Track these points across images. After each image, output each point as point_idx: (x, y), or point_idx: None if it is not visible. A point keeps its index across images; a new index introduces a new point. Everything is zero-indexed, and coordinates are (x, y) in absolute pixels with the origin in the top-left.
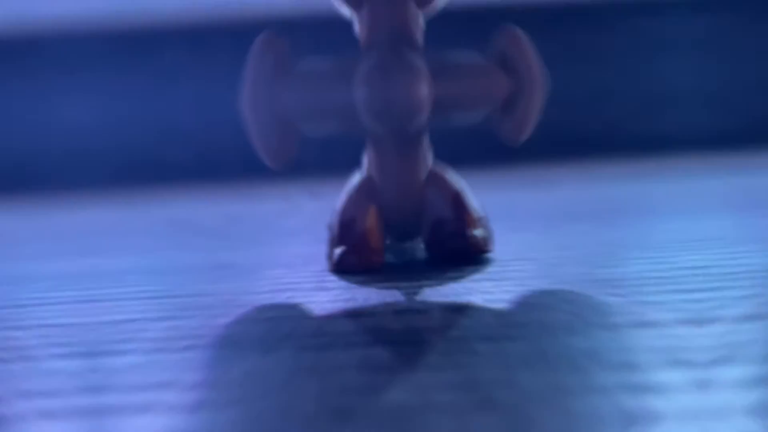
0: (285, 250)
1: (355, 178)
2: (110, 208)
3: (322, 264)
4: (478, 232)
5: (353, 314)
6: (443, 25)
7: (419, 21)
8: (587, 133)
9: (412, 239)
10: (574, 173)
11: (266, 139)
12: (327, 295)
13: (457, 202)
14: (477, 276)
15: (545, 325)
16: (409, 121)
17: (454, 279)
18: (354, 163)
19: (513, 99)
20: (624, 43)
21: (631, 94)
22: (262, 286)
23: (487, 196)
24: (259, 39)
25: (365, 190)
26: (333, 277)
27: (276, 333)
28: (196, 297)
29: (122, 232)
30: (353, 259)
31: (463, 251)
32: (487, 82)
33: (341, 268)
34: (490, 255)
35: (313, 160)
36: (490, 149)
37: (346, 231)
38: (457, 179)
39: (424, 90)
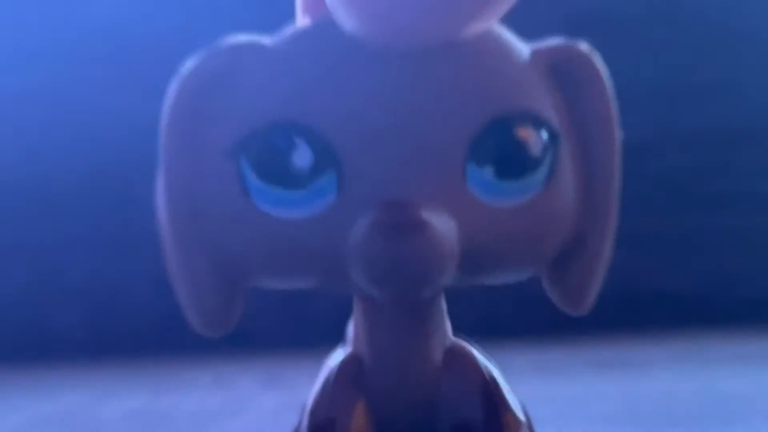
0: None
1: (336, 357)
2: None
3: None
4: None
5: None
6: None
7: None
8: (683, 290)
9: None
10: (665, 350)
11: (199, 297)
12: None
13: (489, 397)
14: None
15: None
16: (423, 286)
17: None
18: (334, 334)
19: (578, 241)
20: None
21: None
22: None
23: (531, 387)
24: (178, 88)
25: (350, 377)
26: None
27: None
28: None
29: None
30: None
31: None
32: (543, 226)
33: None
34: None
35: (268, 326)
36: (535, 312)
37: None
38: (487, 361)
39: (446, 242)
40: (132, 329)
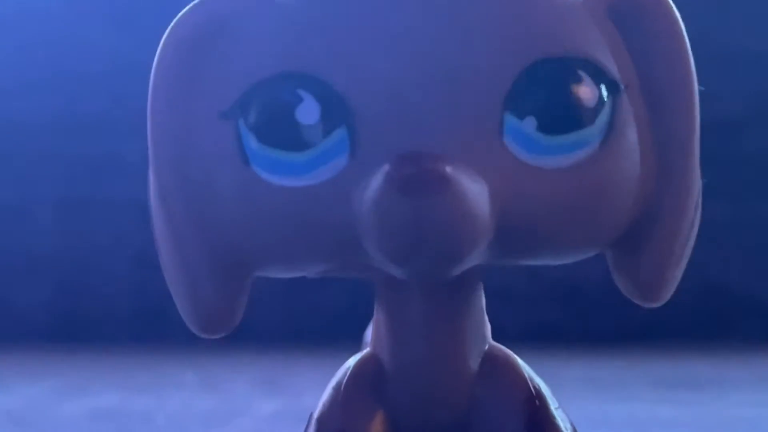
0: None
1: (350, 362)
2: None
3: None
4: None
5: None
6: None
7: None
8: None
9: None
10: (745, 369)
11: (195, 293)
12: None
13: (533, 415)
14: None
15: None
16: (449, 257)
17: None
18: (344, 331)
19: (649, 217)
20: None
21: None
22: None
23: (583, 406)
24: (170, 42)
25: (367, 382)
26: None
27: None
28: None
29: None
30: None
31: None
32: (599, 194)
33: None
34: None
35: (265, 320)
36: (591, 318)
37: None
38: (532, 372)
39: (476, 203)
40: (106, 313)
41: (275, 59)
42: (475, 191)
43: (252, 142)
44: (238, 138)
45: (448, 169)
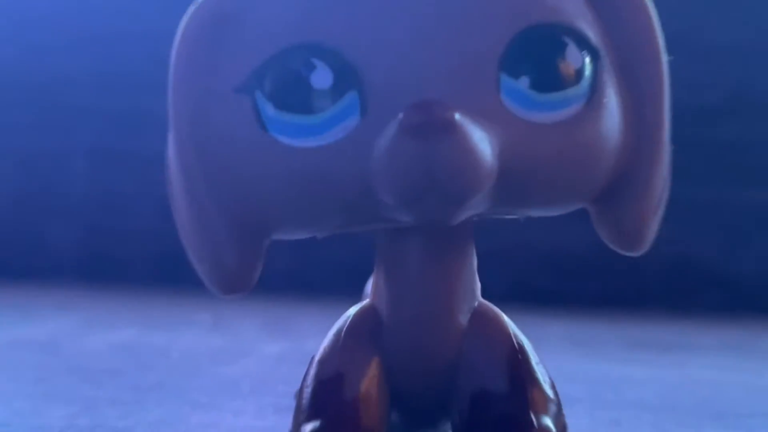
0: (216, 420)
1: (351, 311)
2: None
3: None
4: (546, 422)
5: None
6: None
7: None
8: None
9: (434, 420)
10: (713, 336)
11: (215, 255)
12: None
13: (516, 368)
14: None
15: None
16: (457, 200)
17: None
18: (344, 282)
19: (628, 171)
20: None
21: None
22: None
23: (562, 362)
24: (191, 20)
25: (365, 329)
26: None
27: None
28: None
29: None
30: None
31: None
32: (585, 146)
33: None
34: None
35: (273, 269)
36: (573, 281)
37: (325, 395)
38: (516, 329)
39: (481, 149)
40: (130, 255)
41: (289, 33)
42: (480, 137)
43: (269, 110)
44: (255, 107)
45: (457, 116)
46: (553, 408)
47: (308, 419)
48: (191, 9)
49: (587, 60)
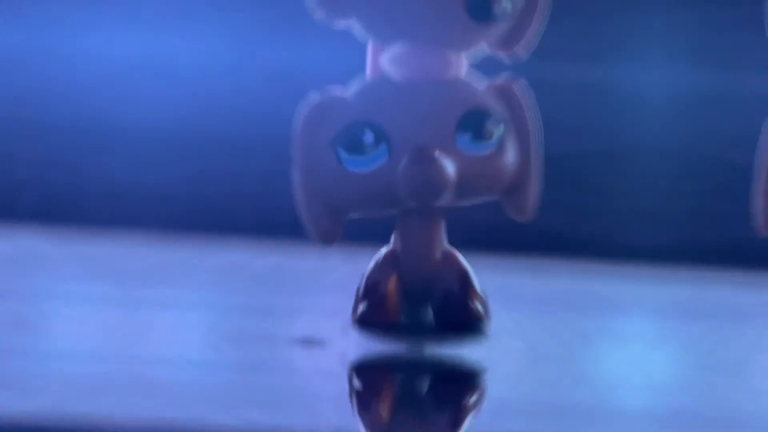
0: (320, 300)
1: (383, 250)
2: (170, 249)
3: (348, 316)
4: (478, 306)
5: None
6: None
7: None
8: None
9: (423, 305)
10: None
11: (317, 224)
12: (345, 341)
13: (464, 279)
14: (472, 342)
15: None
16: (437, 195)
17: (452, 342)
18: (384, 238)
19: (518, 180)
20: None
21: None
22: (293, 327)
23: (486, 279)
24: (308, 109)
25: (389, 260)
26: (354, 328)
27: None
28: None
29: (179, 270)
30: (373, 315)
31: (464, 320)
32: (498, 168)
33: (362, 322)
34: (485, 326)
35: (351, 234)
36: (495, 237)
37: (369, 292)
38: (465, 261)
39: (448, 171)
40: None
41: (354, 114)
42: (448, 165)
43: (342, 153)
44: (336, 152)
45: (436, 153)
46: (482, 300)
47: (360, 302)
48: (306, 101)
49: (500, 125)
